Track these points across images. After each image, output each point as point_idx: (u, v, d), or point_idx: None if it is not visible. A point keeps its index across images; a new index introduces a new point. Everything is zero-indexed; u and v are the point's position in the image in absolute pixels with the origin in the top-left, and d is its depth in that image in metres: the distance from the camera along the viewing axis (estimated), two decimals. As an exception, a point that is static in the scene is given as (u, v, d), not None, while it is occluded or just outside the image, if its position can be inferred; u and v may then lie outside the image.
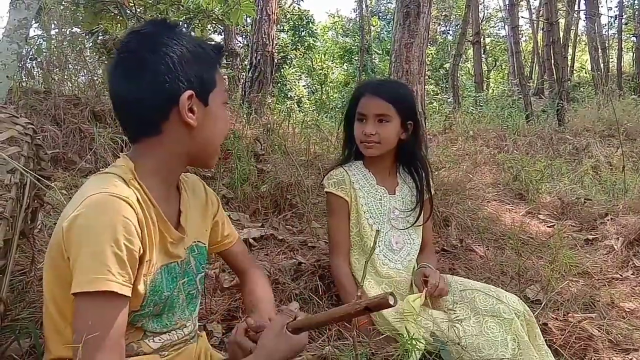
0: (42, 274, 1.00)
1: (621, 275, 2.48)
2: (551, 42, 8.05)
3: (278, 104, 7.64)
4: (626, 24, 14.30)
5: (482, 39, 14.32)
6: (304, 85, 17.65)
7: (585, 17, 12.16)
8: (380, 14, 21.04)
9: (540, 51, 12.97)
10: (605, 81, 9.97)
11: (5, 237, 1.10)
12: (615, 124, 5.66)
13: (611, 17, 14.83)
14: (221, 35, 9.33)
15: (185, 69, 0.98)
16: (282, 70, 12.97)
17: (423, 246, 1.84)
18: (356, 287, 1.69)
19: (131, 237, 0.90)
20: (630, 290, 2.32)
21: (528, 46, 17.66)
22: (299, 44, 14.73)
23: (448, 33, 20.58)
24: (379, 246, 1.74)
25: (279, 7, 8.04)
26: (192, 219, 1.13)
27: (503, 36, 19.35)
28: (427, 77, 7.57)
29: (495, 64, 19.55)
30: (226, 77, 5.47)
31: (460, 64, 12.55)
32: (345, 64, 17.96)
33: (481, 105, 9.13)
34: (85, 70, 3.59)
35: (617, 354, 1.77)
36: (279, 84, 12.62)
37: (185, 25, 3.88)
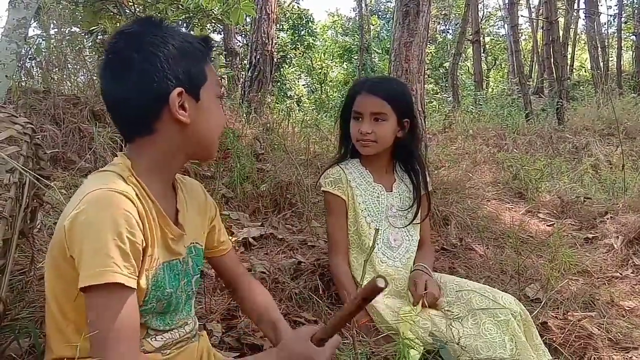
0: (42, 273, 1.00)
1: (621, 274, 2.48)
2: (551, 40, 8.05)
3: (278, 103, 7.65)
4: (626, 22, 14.30)
5: (481, 38, 14.31)
6: (303, 85, 17.66)
7: (585, 16, 12.15)
8: (379, 13, 21.02)
9: (539, 50, 12.96)
10: (605, 80, 9.96)
11: (5, 236, 1.10)
12: (614, 123, 5.66)
13: (611, 15, 14.84)
14: (220, 34, 9.33)
15: (172, 66, 0.97)
16: (281, 69, 12.97)
17: (420, 244, 1.84)
18: (355, 285, 1.69)
19: (133, 230, 0.90)
20: (630, 288, 2.33)
21: (528, 45, 17.65)
22: (298, 43, 14.73)
23: (448, 32, 20.57)
24: (378, 244, 1.73)
25: (278, 6, 8.02)
26: (190, 219, 1.13)
27: (502, 35, 19.35)
28: (426, 76, 7.57)
29: (495, 62, 19.54)
30: (225, 75, 5.47)
31: (459, 63, 12.54)
32: (345, 63, 17.97)
33: (481, 104, 9.13)
34: (84, 70, 3.58)
35: (616, 352, 1.77)
36: (279, 83, 12.62)
37: (185, 24, 3.88)
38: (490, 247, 2.64)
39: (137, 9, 3.53)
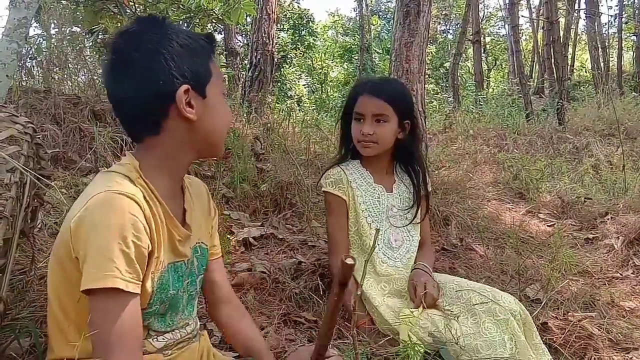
0: (42, 273, 1.00)
1: (621, 275, 2.48)
2: (551, 41, 8.04)
3: (278, 103, 7.64)
4: (626, 22, 14.28)
5: (482, 38, 14.30)
6: (304, 85, 17.65)
7: (586, 16, 12.15)
8: (380, 13, 21.02)
9: (540, 50, 12.96)
10: (606, 80, 9.96)
11: (5, 236, 1.10)
12: (615, 123, 5.66)
13: (611, 16, 14.81)
14: (221, 34, 9.33)
15: (178, 64, 0.96)
16: (282, 69, 12.96)
17: (421, 244, 1.84)
18: (356, 286, 1.69)
19: (139, 234, 0.90)
20: (630, 289, 2.33)
21: (528, 45, 17.64)
22: (299, 43, 14.71)
23: (448, 32, 20.57)
24: (378, 244, 1.74)
25: (279, 6, 8.03)
26: (196, 219, 1.12)
27: (503, 35, 19.34)
28: (427, 76, 7.56)
29: (496, 63, 19.53)
30: (226, 75, 5.47)
31: (460, 63, 12.53)
32: (345, 63, 17.95)
33: (481, 104, 9.12)
34: (85, 70, 3.58)
35: (617, 352, 1.77)
36: (279, 83, 12.61)
37: (186, 24, 3.87)
38: (490, 247, 2.64)
39: (138, 9, 3.53)
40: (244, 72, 7.08)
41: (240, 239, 2.30)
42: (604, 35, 13.05)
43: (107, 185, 0.92)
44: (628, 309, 2.11)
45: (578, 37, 15.37)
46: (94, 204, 0.89)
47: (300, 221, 2.63)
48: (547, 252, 2.56)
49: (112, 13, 3.53)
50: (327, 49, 18.91)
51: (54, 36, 3.64)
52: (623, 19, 13.79)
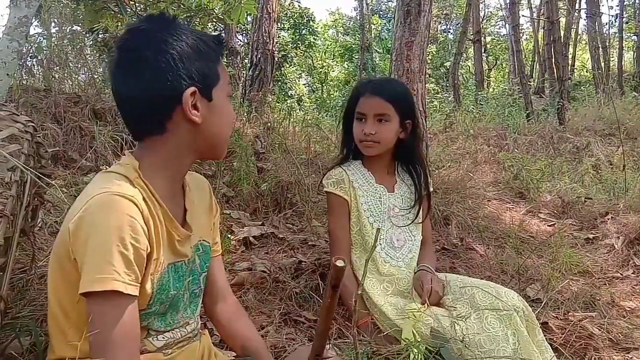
0: (43, 271, 1.00)
1: (622, 274, 2.48)
2: (552, 40, 8.04)
3: (278, 102, 7.65)
4: (627, 22, 14.27)
5: (482, 38, 14.31)
6: (304, 84, 17.65)
7: (586, 16, 12.15)
8: (380, 13, 21.01)
9: (541, 50, 12.94)
10: (606, 80, 9.96)
11: (6, 234, 1.10)
12: (615, 123, 5.66)
13: (612, 16, 14.81)
14: (222, 33, 9.33)
15: (186, 65, 0.95)
16: (282, 68, 12.96)
17: (422, 243, 1.85)
18: (357, 285, 1.69)
19: (137, 236, 0.89)
20: (630, 289, 2.33)
21: (529, 45, 17.63)
22: (299, 42, 14.71)
23: (449, 32, 20.57)
24: (380, 244, 1.74)
25: (279, 4, 8.02)
26: (198, 217, 1.12)
27: (504, 35, 19.34)
28: (427, 75, 7.55)
29: (496, 62, 19.52)
30: (228, 74, 5.46)
31: (460, 63, 12.52)
32: (346, 62, 17.96)
33: (482, 104, 9.12)
34: (85, 69, 3.59)
35: (617, 352, 1.77)
36: (280, 83, 12.61)
37: (186, 23, 3.88)
38: (491, 247, 2.65)
39: (139, 8, 3.53)
40: (244, 71, 7.08)
41: (241, 238, 2.30)
42: (605, 35, 13.06)
43: (106, 186, 0.91)
44: (628, 308, 2.11)
45: (579, 37, 15.38)
46: (92, 205, 0.88)
47: (300, 220, 2.63)
48: (547, 252, 2.56)
49: (113, 12, 3.53)
50: (327, 48, 18.91)
51: (54, 35, 3.65)
52: (624, 19, 13.79)
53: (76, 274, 0.88)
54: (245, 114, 4.20)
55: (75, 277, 0.88)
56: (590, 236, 2.98)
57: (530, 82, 11.39)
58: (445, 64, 15.86)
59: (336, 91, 15.91)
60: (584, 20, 13.79)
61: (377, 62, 15.36)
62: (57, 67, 3.39)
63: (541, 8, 14.85)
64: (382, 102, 1.73)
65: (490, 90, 14.11)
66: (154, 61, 0.94)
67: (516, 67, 9.82)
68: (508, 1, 11.20)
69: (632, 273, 2.50)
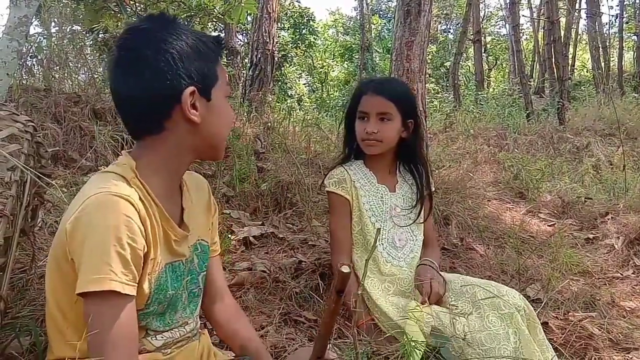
0: (43, 271, 1.00)
1: (622, 274, 2.48)
2: (552, 40, 8.04)
3: (278, 102, 7.65)
4: (627, 22, 14.27)
5: (482, 38, 14.30)
6: (304, 84, 17.64)
7: (586, 16, 12.15)
8: (380, 12, 21.00)
9: (541, 50, 12.94)
10: (606, 80, 9.96)
11: (6, 234, 1.10)
12: (615, 123, 5.66)
13: (612, 15, 14.80)
14: (221, 33, 9.33)
15: (186, 65, 0.96)
16: (282, 68, 12.95)
17: (426, 242, 1.85)
18: (358, 285, 1.69)
19: (134, 236, 0.89)
20: (630, 289, 2.33)
21: (529, 45, 17.63)
22: (299, 42, 14.69)
23: (449, 31, 20.55)
24: (382, 244, 1.74)
25: (280, 4, 8.02)
26: (195, 216, 1.12)
27: (504, 35, 19.33)
28: (427, 75, 7.56)
29: (496, 62, 19.51)
30: (227, 74, 5.46)
31: (460, 63, 12.52)
32: (346, 62, 17.94)
33: (482, 104, 9.12)
34: (85, 68, 3.59)
35: (617, 353, 1.77)
36: (280, 82, 12.61)
37: (186, 23, 3.87)
38: (491, 247, 2.64)
39: (138, 8, 3.52)
40: (244, 71, 7.08)
41: (241, 238, 2.30)
42: (605, 35, 13.05)
43: (103, 186, 0.91)
44: (628, 309, 2.11)
45: (579, 37, 15.38)
46: (89, 205, 0.88)
47: (300, 220, 2.63)
48: (547, 252, 2.56)
49: (113, 12, 3.53)
50: (327, 48, 18.90)
51: (54, 35, 3.65)
52: (624, 19, 13.78)
53: (73, 275, 0.88)
54: (246, 114, 4.20)
55: (73, 278, 0.88)
56: (590, 236, 2.98)
57: (530, 82, 11.39)
58: (445, 64, 15.86)
59: (336, 91, 15.90)
60: (584, 20, 13.80)
61: (377, 62, 15.35)
62: (57, 67, 3.39)
63: (541, 8, 14.85)
64: (384, 101, 1.73)
65: (491, 90, 14.11)
66: (154, 60, 0.94)
67: (516, 67, 9.82)
68: (508, 1, 11.20)
69: (632, 273, 2.50)
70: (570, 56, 13.15)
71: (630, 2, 14.90)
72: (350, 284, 1.67)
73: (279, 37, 10.03)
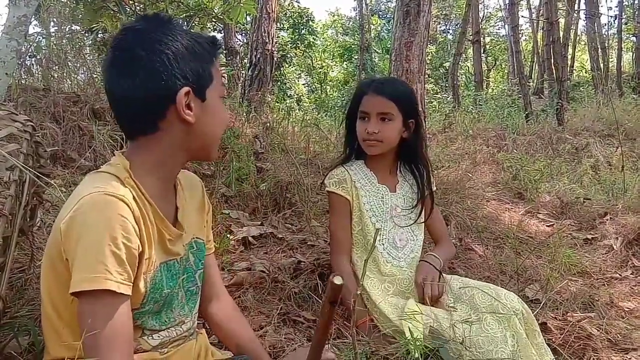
0: (41, 272, 1.00)
1: (620, 275, 2.49)
2: (551, 41, 8.05)
3: (278, 102, 7.64)
4: (626, 23, 14.29)
5: (482, 38, 14.30)
6: (303, 84, 17.65)
7: (585, 17, 12.16)
8: (380, 13, 21.01)
9: (540, 50, 12.96)
10: (605, 81, 9.98)
11: (4, 234, 1.10)
12: (614, 124, 5.67)
13: (611, 16, 14.85)
14: (221, 33, 9.35)
15: (181, 65, 0.96)
16: (281, 68, 12.95)
17: (438, 239, 1.87)
18: (357, 286, 1.69)
19: (129, 235, 0.89)
20: (629, 289, 2.33)
21: (528, 45, 17.64)
22: (298, 42, 14.70)
23: (448, 32, 20.57)
24: (383, 244, 1.74)
25: (279, 4, 8.02)
26: (190, 215, 1.12)
27: (503, 35, 19.36)
28: (427, 76, 7.55)
29: (495, 63, 19.53)
30: (225, 75, 5.47)
31: (460, 63, 12.53)
32: (345, 62, 17.96)
33: (481, 105, 9.13)
34: (84, 68, 3.58)
35: (616, 353, 1.77)
36: (279, 83, 12.60)
37: (185, 23, 3.87)
38: (489, 247, 2.64)
39: (138, 7, 3.52)
40: (243, 72, 7.08)
41: (240, 238, 2.30)
42: (604, 36, 13.07)
43: (97, 186, 0.91)
44: (627, 309, 2.11)
45: (578, 38, 15.38)
46: (84, 205, 0.88)
47: (299, 220, 2.63)
48: (546, 253, 2.56)
49: (112, 11, 3.52)
50: (326, 48, 18.91)
51: (53, 34, 3.64)
52: (623, 20, 13.80)
53: (68, 274, 0.88)
54: (245, 114, 4.20)
55: (67, 277, 0.88)
56: (589, 237, 2.98)
57: (529, 82, 11.40)
58: (444, 65, 15.88)
59: (335, 91, 15.92)
60: (583, 21, 13.79)
61: (376, 62, 15.37)
62: (56, 67, 3.39)
63: (540, 9, 14.87)
64: (385, 101, 1.73)
65: (490, 90, 14.11)
66: (149, 61, 0.94)
67: (515, 67, 9.83)
68: (507, 2, 11.21)
69: (631, 274, 2.50)
70: (569, 57, 13.15)
71: (629, 3, 14.92)
72: (350, 284, 1.68)
73: (278, 37, 10.04)
